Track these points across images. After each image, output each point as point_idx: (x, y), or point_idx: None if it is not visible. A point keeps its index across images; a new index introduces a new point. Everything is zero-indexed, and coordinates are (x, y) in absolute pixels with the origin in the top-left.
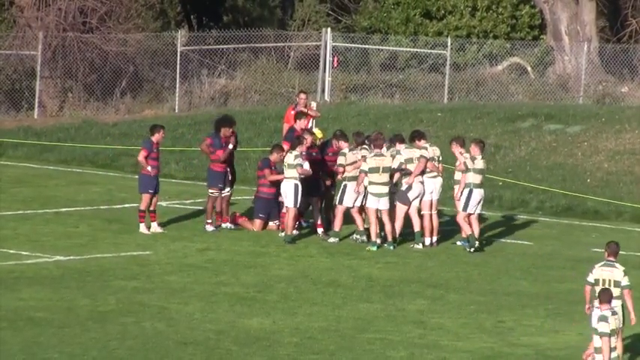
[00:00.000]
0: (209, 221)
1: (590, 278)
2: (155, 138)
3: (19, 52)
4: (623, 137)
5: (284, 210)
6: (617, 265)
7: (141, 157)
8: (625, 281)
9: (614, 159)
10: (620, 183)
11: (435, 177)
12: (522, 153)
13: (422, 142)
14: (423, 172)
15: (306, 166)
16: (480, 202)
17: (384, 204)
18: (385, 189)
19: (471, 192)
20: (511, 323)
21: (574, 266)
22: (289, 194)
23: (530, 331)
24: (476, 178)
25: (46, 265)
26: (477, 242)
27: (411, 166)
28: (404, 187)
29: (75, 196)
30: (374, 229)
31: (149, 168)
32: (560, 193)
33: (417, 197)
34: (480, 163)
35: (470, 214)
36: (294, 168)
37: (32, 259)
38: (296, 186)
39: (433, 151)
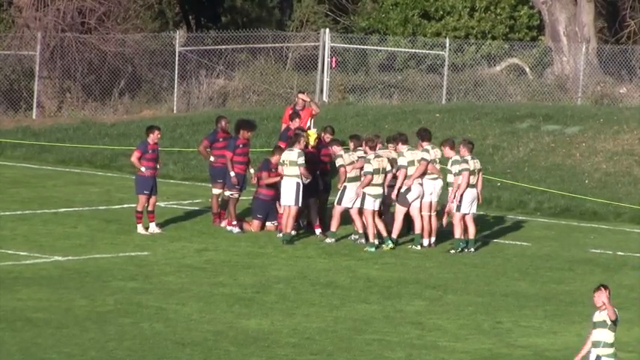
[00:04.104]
0: (234, 223)
1: None
2: (150, 139)
3: (17, 53)
4: (621, 138)
5: (281, 211)
6: None
7: (133, 157)
8: None
9: (613, 160)
10: (619, 184)
11: (435, 179)
12: (520, 154)
13: (425, 144)
14: (423, 174)
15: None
16: (472, 201)
17: (377, 205)
18: (381, 190)
19: (462, 192)
20: (509, 324)
21: (572, 267)
22: (291, 192)
23: (528, 332)
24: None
25: (44, 266)
26: (467, 247)
27: (412, 169)
28: (403, 189)
29: (73, 196)
30: (372, 231)
31: (143, 169)
32: (558, 194)
33: (417, 199)
34: (471, 164)
35: (465, 215)
36: (296, 166)
37: (30, 259)
38: (298, 185)
39: (435, 154)
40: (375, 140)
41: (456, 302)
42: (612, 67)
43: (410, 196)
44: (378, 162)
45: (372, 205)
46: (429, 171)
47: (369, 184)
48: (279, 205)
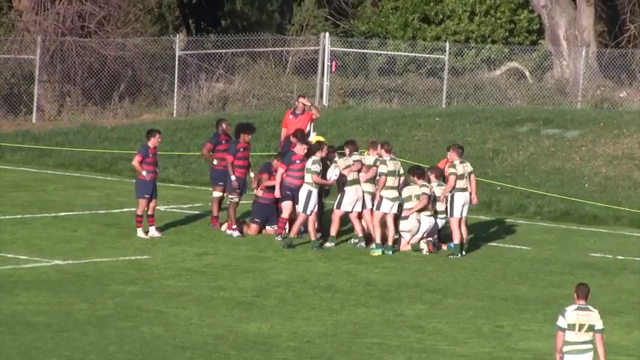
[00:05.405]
0: (234, 227)
1: None
2: (151, 143)
3: (17, 56)
4: (621, 142)
5: (283, 215)
6: None
7: (135, 162)
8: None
9: (612, 164)
10: (618, 188)
11: (429, 216)
12: (520, 158)
13: (420, 182)
14: (422, 210)
15: (332, 175)
16: (464, 205)
17: (395, 208)
18: (397, 192)
19: (452, 196)
20: (509, 328)
21: (572, 271)
22: (301, 199)
23: (528, 335)
24: (457, 183)
25: (44, 270)
26: (461, 252)
27: (410, 204)
28: (404, 214)
29: (73, 200)
30: (379, 233)
31: (144, 173)
32: (558, 197)
33: (409, 233)
34: (459, 168)
35: (460, 218)
36: (310, 173)
37: (31, 263)
38: (309, 192)
39: (430, 188)
40: (391, 143)
41: (455, 306)
42: (612, 71)
43: (405, 226)
44: (394, 164)
45: (389, 208)
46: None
47: (384, 185)
48: (280, 209)
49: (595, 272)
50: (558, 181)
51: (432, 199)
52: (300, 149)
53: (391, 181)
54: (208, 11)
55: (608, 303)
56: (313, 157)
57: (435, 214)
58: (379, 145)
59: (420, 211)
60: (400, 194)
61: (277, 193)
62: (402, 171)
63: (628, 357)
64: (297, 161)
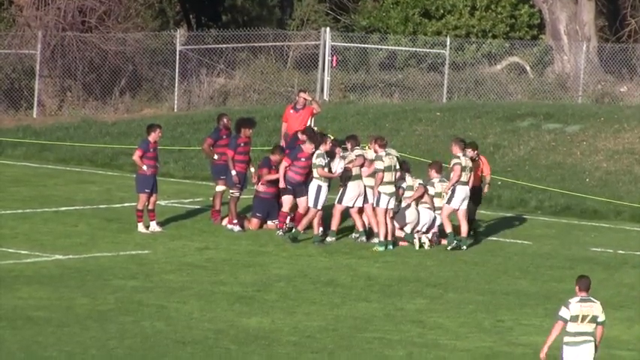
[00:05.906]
0: (235, 221)
1: None
2: (152, 137)
3: (18, 52)
4: (621, 137)
5: (283, 209)
6: None
7: (135, 156)
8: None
9: (613, 158)
10: (619, 182)
11: (428, 209)
12: (521, 152)
13: (413, 177)
14: (420, 199)
15: (337, 168)
16: (464, 199)
17: (392, 203)
18: (394, 188)
19: (454, 188)
20: (510, 322)
21: (573, 266)
22: (310, 194)
23: (529, 330)
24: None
25: (45, 264)
26: (460, 242)
27: (410, 192)
28: (404, 204)
29: (74, 195)
30: (383, 230)
31: (145, 167)
32: (559, 192)
33: (409, 224)
34: (462, 160)
35: (455, 210)
36: (315, 167)
37: (31, 258)
38: (319, 187)
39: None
40: (385, 139)
41: (456, 300)
42: (613, 66)
43: (407, 218)
44: (390, 159)
45: (386, 203)
46: (426, 202)
47: (381, 181)
48: (281, 203)
49: (596, 267)
50: (559, 176)
51: (428, 194)
52: (308, 148)
53: (388, 176)
54: (209, 6)
55: (609, 297)
56: (317, 151)
57: (434, 209)
58: (373, 141)
59: (418, 202)
60: (397, 188)
61: (282, 184)
62: (397, 166)
63: (628, 351)
64: (303, 159)
